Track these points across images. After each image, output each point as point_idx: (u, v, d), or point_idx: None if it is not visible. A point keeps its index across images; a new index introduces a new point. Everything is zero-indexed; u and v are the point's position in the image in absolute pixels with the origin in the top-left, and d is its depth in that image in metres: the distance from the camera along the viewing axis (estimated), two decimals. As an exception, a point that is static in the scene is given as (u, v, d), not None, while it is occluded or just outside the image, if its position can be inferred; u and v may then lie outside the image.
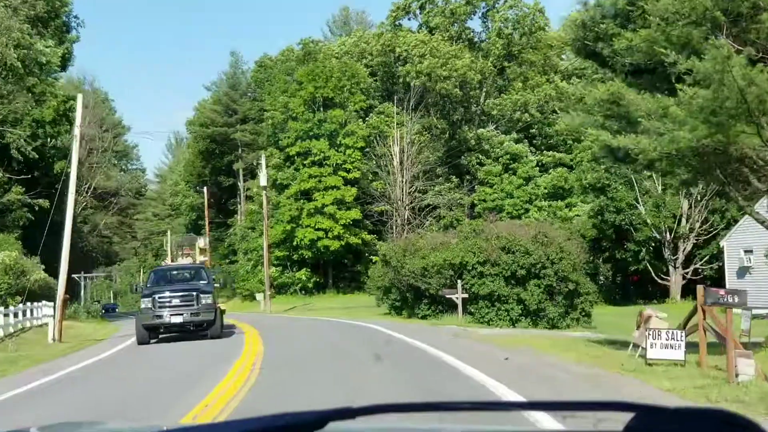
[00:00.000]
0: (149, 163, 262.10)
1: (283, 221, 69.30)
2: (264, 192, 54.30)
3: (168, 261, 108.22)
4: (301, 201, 68.56)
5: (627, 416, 1.72)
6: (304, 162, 69.52)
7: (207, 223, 77.33)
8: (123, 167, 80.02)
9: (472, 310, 28.97)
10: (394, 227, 71.90)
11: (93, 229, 65.35)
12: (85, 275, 52.26)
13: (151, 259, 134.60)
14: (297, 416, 1.79)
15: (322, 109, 70.12)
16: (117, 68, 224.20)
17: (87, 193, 62.53)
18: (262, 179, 52.89)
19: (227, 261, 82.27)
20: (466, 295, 28.74)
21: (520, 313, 28.18)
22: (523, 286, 28.42)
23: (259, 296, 57.53)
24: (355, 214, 68.61)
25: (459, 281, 28.98)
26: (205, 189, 76.61)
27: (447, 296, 29.18)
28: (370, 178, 72.72)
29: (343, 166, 69.55)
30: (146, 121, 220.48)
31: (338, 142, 69.77)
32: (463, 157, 74.38)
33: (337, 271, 71.74)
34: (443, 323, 28.70)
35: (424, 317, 33.34)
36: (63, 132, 46.12)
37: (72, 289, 48.71)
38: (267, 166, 71.58)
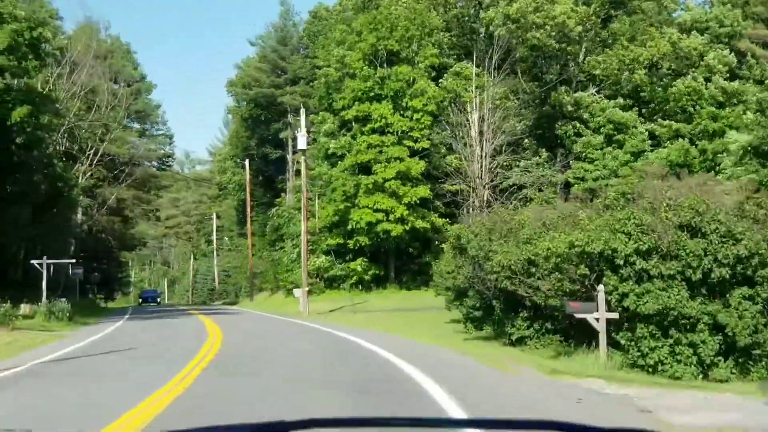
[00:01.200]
0: (204, 140, 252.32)
1: (335, 200, 57.01)
2: (303, 158, 42.01)
3: (214, 244, 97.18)
4: (359, 176, 56.16)
5: None
6: (363, 129, 57.13)
7: (249, 203, 65.51)
8: (144, 131, 68.69)
9: (623, 342, 15.93)
10: (471, 210, 59.10)
11: (102, 205, 54.39)
12: (73, 261, 40.49)
13: (204, 245, 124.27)
14: (229, 429, 1.82)
15: (385, 64, 57.51)
16: (144, 22, 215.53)
17: (90, 159, 51.25)
18: (301, 140, 40.55)
19: (274, 248, 70.27)
20: (613, 315, 15.81)
21: (716, 350, 15.11)
22: (723, 299, 15.38)
23: (297, 292, 45.33)
24: (422, 191, 55.91)
25: (599, 287, 16.01)
26: (246, 162, 64.84)
27: (577, 315, 16.12)
28: (442, 151, 59.92)
29: (410, 134, 56.96)
30: (179, 84, 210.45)
31: (404, 105, 57.15)
32: (556, 126, 60.94)
33: (400, 261, 59.21)
34: (567, 365, 15.88)
35: (520, 341, 20.61)
36: (29, 69, 34.73)
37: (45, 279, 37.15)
38: (319, 133, 59.37)
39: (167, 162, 70.02)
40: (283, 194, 66.65)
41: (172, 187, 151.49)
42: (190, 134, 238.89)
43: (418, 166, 56.02)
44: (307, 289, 42.61)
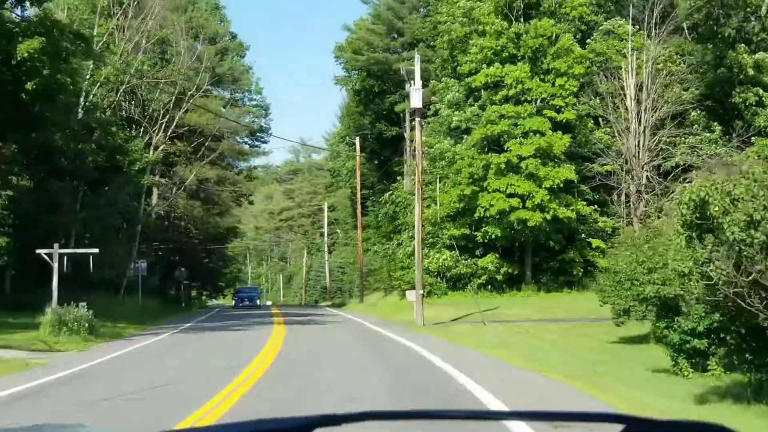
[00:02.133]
0: (320, 125, 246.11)
1: (460, 183, 47.30)
2: (418, 120, 32.30)
3: (325, 237, 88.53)
4: (488, 154, 46.28)
5: (617, 428, 1.70)
6: (493, 97, 47.18)
7: (359, 185, 56.52)
8: (235, 101, 59.76)
9: None
10: (625, 196, 48.41)
11: (180, 186, 45.86)
12: (95, 251, 30.54)
13: (319, 239, 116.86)
14: (282, 422, 1.81)
15: (522, 18, 47.37)
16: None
17: (163, 129, 42.93)
18: (415, 96, 30.87)
19: (389, 241, 60.94)
20: None
21: None
22: None
23: (410, 296, 35.88)
24: (566, 172, 45.54)
25: None
26: (357, 140, 55.84)
27: None
28: (589, 125, 49.33)
29: (552, 102, 46.62)
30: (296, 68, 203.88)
31: (545, 67, 46.90)
32: (733, 94, 49.37)
33: (538, 258, 48.97)
34: None
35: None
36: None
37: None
38: (441, 103, 49.75)
39: (261, 138, 61.56)
40: (399, 178, 57.20)
41: (293, 179, 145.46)
42: (308, 121, 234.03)
43: (561, 142, 45.63)
44: (422, 292, 32.99)
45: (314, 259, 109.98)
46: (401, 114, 58.74)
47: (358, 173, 56.08)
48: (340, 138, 73.52)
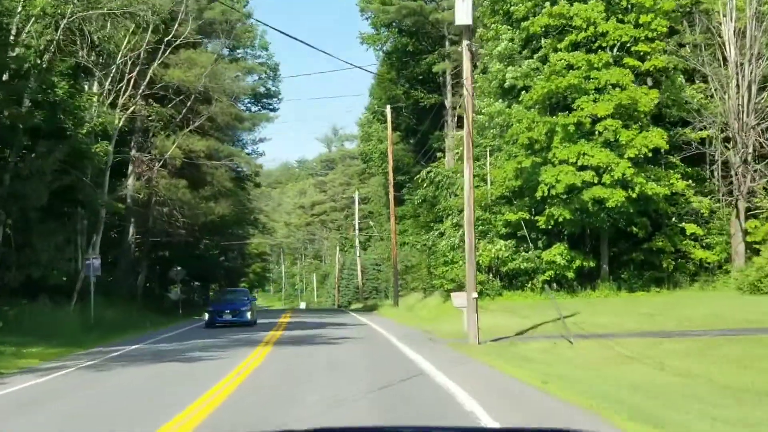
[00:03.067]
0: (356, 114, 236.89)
1: (516, 155, 37.47)
2: (465, 44, 22.23)
3: (356, 230, 78.20)
4: (553, 115, 36.34)
5: None
6: (557, 45, 37.21)
7: (390, 166, 46.85)
8: (236, 58, 48.72)
9: None
10: (723, 167, 38.37)
11: (160, 161, 35.84)
12: None
13: (353, 233, 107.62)
14: None
15: (591, -57, 37.33)
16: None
17: (133, 86, 33.08)
18: (462, 9, 20.86)
19: (430, 231, 50.96)
20: None
21: None
22: None
23: (458, 299, 25.94)
24: (656, 138, 35.37)
25: None
26: (387, 110, 46.11)
27: None
28: (678, 81, 39.17)
29: (633, 48, 36.57)
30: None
31: (624, 5, 36.82)
32: None
33: (617, 249, 38.93)
34: None
35: None
36: None
37: None
38: (490, 57, 39.97)
39: (269, 104, 51.19)
40: (439, 154, 47.10)
41: (327, 174, 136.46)
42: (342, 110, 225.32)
43: (648, 98, 35.46)
44: (475, 295, 23.11)
45: (348, 257, 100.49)
46: (440, 77, 48.83)
47: (390, 149, 46.26)
48: (371, 114, 63.74)
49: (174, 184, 36.10)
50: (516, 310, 30.35)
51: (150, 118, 36.37)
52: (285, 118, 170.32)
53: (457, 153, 40.34)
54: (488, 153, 39.00)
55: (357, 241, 73.02)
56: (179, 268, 43.94)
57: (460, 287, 38.24)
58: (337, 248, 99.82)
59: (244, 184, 54.57)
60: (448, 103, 46.83)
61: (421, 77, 51.22)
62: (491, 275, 38.44)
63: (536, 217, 36.86)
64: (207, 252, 63.43)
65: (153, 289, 45.35)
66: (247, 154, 49.55)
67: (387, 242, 78.68)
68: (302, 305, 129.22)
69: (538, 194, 35.82)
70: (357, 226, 73.41)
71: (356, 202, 74.11)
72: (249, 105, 49.75)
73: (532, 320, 26.60)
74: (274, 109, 51.58)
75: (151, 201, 38.12)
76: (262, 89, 49.97)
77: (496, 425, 9.08)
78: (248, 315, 31.39)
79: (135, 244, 38.50)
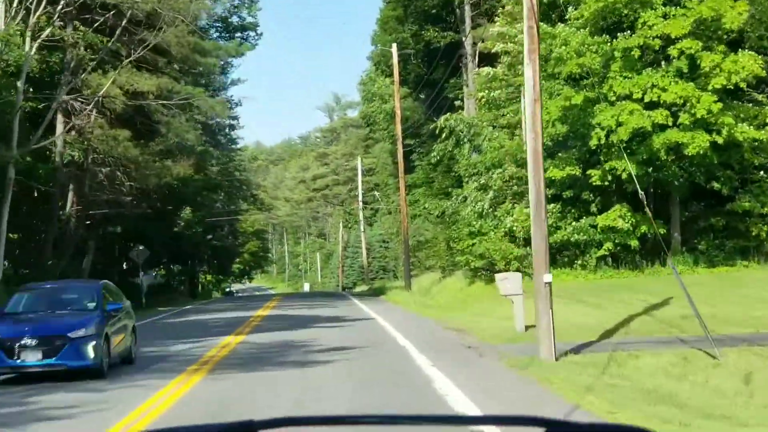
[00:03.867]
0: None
1: (559, 92, 29.00)
2: None
3: (359, 203, 69.42)
4: (611, 38, 27.80)
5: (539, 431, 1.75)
6: (612, -52, 28.52)
7: (398, 119, 38.46)
8: None
9: None
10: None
11: (96, 105, 26.72)
12: None
13: (356, 207, 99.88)
14: (198, 428, 1.86)
15: None
16: None
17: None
18: None
19: (447, 198, 42.44)
20: None
21: None
22: None
23: (507, 284, 17.29)
24: (748, 63, 26.70)
25: None
26: (393, 49, 37.57)
27: None
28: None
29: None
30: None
31: None
32: None
33: (690, 212, 30.53)
34: None
35: None
36: None
37: None
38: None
39: (243, 38, 41.63)
40: (458, 103, 38.26)
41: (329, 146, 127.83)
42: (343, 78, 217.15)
43: (734, 12, 26.85)
44: (548, 278, 14.65)
45: (352, 234, 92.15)
46: (458, 9, 40.08)
47: (396, 94, 37.66)
48: (374, 65, 55.03)
49: (113, 136, 27.43)
50: (576, 296, 21.94)
51: (79, 48, 27.53)
52: (283, 91, 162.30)
53: (482, 97, 31.75)
54: (522, 96, 30.41)
55: (361, 215, 64.54)
56: (141, 247, 35.62)
57: (492, 265, 29.93)
58: (340, 224, 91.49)
59: (218, 139, 46.06)
60: (467, 41, 38.19)
61: (433, 11, 42.45)
62: (530, 248, 30.02)
63: (588, 173, 28.36)
64: (189, 229, 55.15)
65: (107, 274, 37.18)
66: (223, 99, 39.54)
67: (395, 216, 70.41)
68: (306, 287, 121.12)
69: (593, 142, 27.36)
70: (361, 198, 64.91)
71: (359, 170, 65.60)
72: (219, 39, 40.96)
73: (609, 312, 18.33)
74: (245, 40, 41.71)
75: (87, 160, 29.58)
76: (235, 19, 41.02)
77: None
78: (88, 350, 13.62)
79: (76, 218, 30.19)
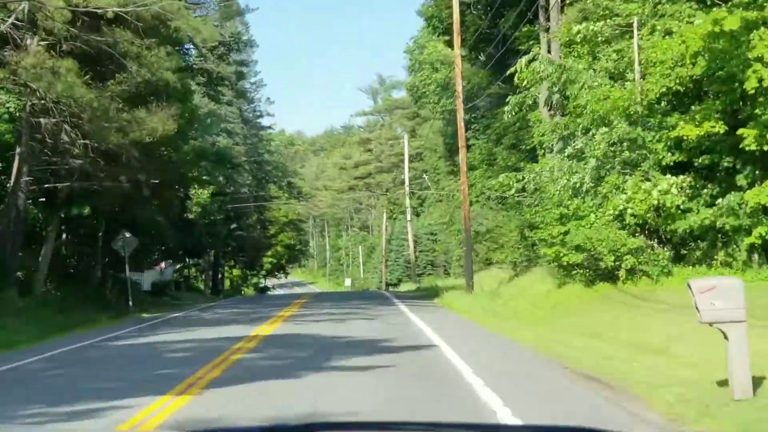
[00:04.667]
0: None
1: (691, 17, 20.32)
2: None
3: (406, 188, 59.83)
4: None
5: None
6: None
7: (458, 81, 30.09)
8: None
9: None
10: None
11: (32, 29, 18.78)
12: None
13: (403, 196, 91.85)
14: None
15: None
16: None
17: None
18: None
19: (517, 178, 33.81)
20: None
21: None
22: None
23: (722, 299, 8.62)
24: None
25: None
26: (454, 4, 29.12)
27: None
28: None
29: None
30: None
31: None
32: None
33: None
34: None
35: None
36: None
37: None
38: None
39: None
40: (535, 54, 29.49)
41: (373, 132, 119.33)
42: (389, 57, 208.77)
43: None
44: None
45: (397, 225, 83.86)
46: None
47: (456, 40, 29.09)
48: (426, 20, 46.39)
49: (54, 69, 19.10)
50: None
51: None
52: (323, 78, 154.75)
53: (578, 32, 23.05)
54: (636, 24, 21.71)
55: (407, 202, 55.83)
56: (127, 235, 27.67)
57: (595, 260, 21.41)
58: (384, 215, 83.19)
59: (218, 87, 37.25)
60: None
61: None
62: (653, 238, 21.43)
63: (741, 132, 19.66)
64: (207, 216, 47.30)
65: (82, 268, 29.27)
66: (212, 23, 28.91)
67: (447, 204, 61.95)
68: (347, 282, 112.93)
69: (749, 84, 18.73)
70: (407, 183, 56.25)
71: (406, 151, 56.95)
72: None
73: None
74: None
75: (25, 109, 21.41)
76: None
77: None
78: None
79: (26, 194, 22.22)
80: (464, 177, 30.64)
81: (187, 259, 48.85)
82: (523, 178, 25.40)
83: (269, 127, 68.10)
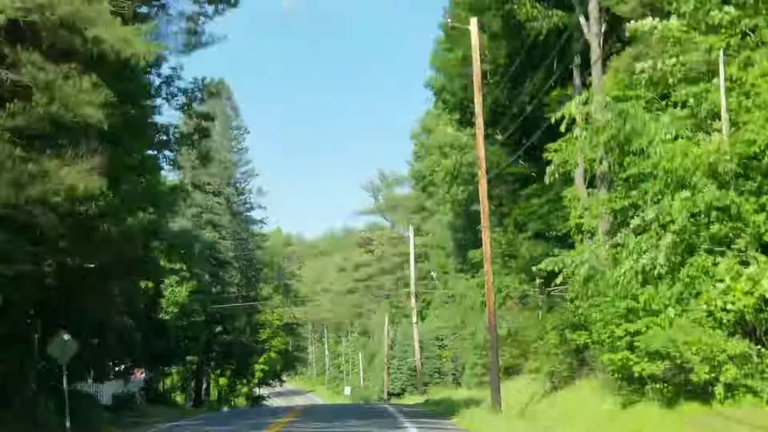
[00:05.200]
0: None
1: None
2: None
3: (411, 286, 52.67)
4: None
5: None
6: None
7: (480, 154, 24.89)
8: None
9: None
10: None
11: None
12: None
13: (406, 301, 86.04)
14: None
15: None
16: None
17: None
18: None
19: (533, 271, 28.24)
20: None
21: None
22: None
23: None
24: None
25: None
26: (473, 24, 24.11)
27: None
28: None
29: None
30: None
31: None
32: None
33: None
34: None
35: None
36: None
37: None
38: None
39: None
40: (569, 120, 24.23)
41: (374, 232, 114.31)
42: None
43: None
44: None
45: (401, 329, 77.61)
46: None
47: (477, 95, 23.84)
48: (435, 93, 40.85)
49: None
50: None
51: None
52: (329, 179, 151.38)
53: (642, 71, 17.82)
54: (722, 60, 16.61)
55: (413, 300, 49.67)
56: (65, 337, 21.92)
57: (682, 372, 15.68)
58: (386, 319, 77.09)
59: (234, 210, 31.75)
60: (591, 18, 24.34)
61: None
62: (759, 341, 15.69)
63: None
64: (184, 318, 41.57)
65: (10, 383, 23.30)
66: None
67: (458, 305, 56.12)
68: (347, 390, 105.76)
69: None
70: (413, 277, 50.24)
71: (411, 243, 51.23)
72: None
73: None
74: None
75: None
76: None
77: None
78: None
79: None
80: (489, 264, 25.11)
81: (164, 367, 42.72)
82: (570, 262, 19.70)
83: (261, 221, 62.95)
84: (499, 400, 23.01)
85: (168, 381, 53.70)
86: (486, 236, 24.93)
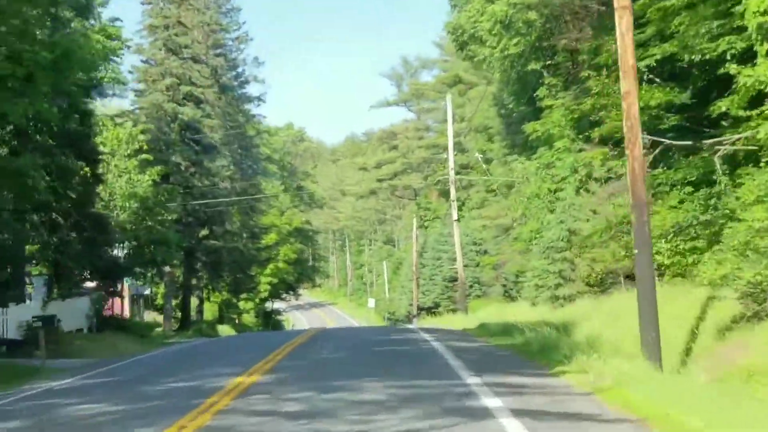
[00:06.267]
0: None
1: None
2: None
3: (450, 170, 39.45)
4: None
5: None
6: None
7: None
8: None
9: None
10: None
11: None
12: None
13: (437, 200, 75.62)
14: None
15: None
16: None
17: None
18: None
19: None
20: None
21: None
22: None
23: None
24: None
25: None
26: None
27: None
28: None
29: None
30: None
31: None
32: None
33: None
34: None
35: None
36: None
37: None
38: None
39: None
40: None
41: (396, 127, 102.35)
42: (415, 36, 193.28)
43: None
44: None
45: (431, 233, 66.81)
46: None
47: None
48: None
49: None
50: None
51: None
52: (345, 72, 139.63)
53: None
54: None
55: (453, 191, 38.22)
56: None
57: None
58: (414, 222, 66.22)
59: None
60: None
61: None
62: None
63: None
64: (150, 215, 30.81)
65: None
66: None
67: (501, 200, 45.08)
68: (371, 303, 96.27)
69: None
70: (452, 158, 38.42)
71: (449, 111, 39.29)
72: None
73: None
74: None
75: None
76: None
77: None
78: None
79: None
80: (632, 77, 13.44)
81: (112, 281, 31.72)
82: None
83: (259, 98, 51.53)
84: (659, 345, 11.83)
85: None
86: (626, 19, 13.11)
